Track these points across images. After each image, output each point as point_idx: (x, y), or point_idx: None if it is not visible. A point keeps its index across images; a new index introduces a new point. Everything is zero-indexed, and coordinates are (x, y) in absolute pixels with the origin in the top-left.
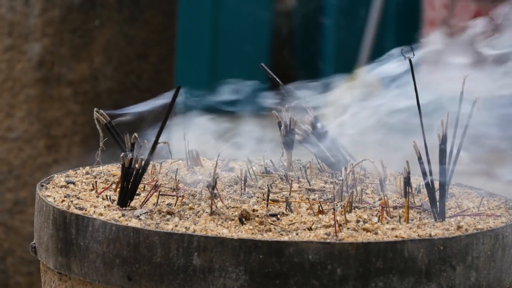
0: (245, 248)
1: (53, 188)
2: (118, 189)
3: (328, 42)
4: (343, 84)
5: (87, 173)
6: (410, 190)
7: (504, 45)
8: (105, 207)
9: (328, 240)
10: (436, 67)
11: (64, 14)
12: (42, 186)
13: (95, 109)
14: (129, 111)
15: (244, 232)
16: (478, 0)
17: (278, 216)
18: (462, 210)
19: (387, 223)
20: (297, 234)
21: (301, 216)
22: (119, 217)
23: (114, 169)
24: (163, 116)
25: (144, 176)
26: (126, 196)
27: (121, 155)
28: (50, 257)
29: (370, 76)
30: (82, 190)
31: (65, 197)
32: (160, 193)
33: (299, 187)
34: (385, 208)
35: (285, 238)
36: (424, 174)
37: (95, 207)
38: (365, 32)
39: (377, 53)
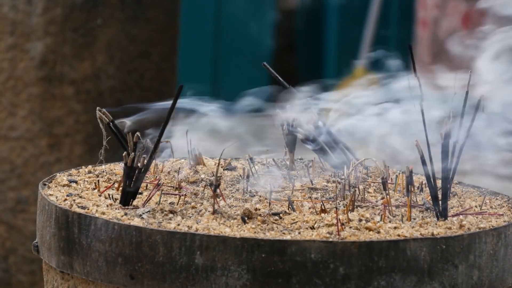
0: (248, 247)
1: (56, 187)
2: (121, 188)
3: (330, 41)
4: (345, 83)
5: (89, 172)
6: (412, 189)
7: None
8: (107, 206)
9: (330, 239)
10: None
11: (67, 13)
12: (45, 185)
13: (97, 108)
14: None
15: (247, 231)
16: (469, 0)
17: (281, 215)
18: (465, 209)
19: (390, 222)
20: (299, 233)
21: (304, 215)
22: (122, 216)
23: (117, 168)
24: (165, 115)
25: (146, 175)
26: (128, 195)
27: (124, 154)
28: (53, 256)
29: (370, 73)
30: (85, 189)
31: (67, 196)
32: (163, 192)
33: (301, 186)
34: (387, 207)
35: (288, 237)
36: (426, 173)
37: (97, 206)
38: (366, 30)
39: (379, 50)
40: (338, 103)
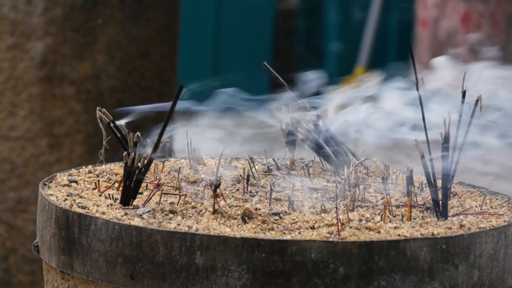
0: (248, 247)
1: (56, 187)
2: (121, 188)
3: (330, 40)
4: (345, 82)
5: (89, 172)
6: (412, 189)
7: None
8: (107, 206)
9: (330, 239)
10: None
11: (67, 13)
12: (45, 184)
13: (97, 108)
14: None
15: (247, 231)
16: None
17: (281, 215)
18: (465, 209)
19: (390, 222)
20: (299, 233)
21: (304, 215)
22: (122, 216)
23: (117, 168)
24: (166, 115)
25: (146, 175)
26: (128, 195)
27: (124, 154)
28: (53, 256)
29: (368, 73)
30: (85, 189)
31: (67, 195)
32: (163, 192)
33: (301, 186)
34: (387, 207)
35: (288, 237)
36: (426, 173)
37: (97, 206)
38: (366, 29)
39: (379, 50)
40: (338, 102)
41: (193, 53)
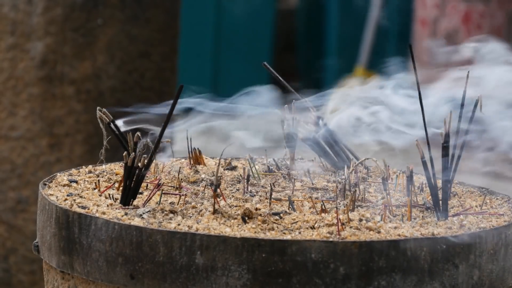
0: (248, 247)
1: (56, 186)
2: (121, 188)
3: (331, 41)
4: (345, 82)
5: (89, 171)
6: (412, 189)
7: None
8: (107, 205)
9: (330, 239)
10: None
11: (67, 12)
12: (45, 184)
13: (98, 108)
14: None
15: (247, 231)
16: (468, 0)
17: (281, 214)
18: (465, 208)
19: (390, 221)
20: (299, 232)
21: (304, 215)
22: (122, 216)
23: (117, 168)
24: (166, 115)
25: (146, 175)
26: (129, 195)
27: (124, 154)
28: (53, 255)
29: (368, 73)
30: (85, 189)
31: (67, 195)
32: (163, 192)
33: (301, 185)
34: (387, 207)
35: (288, 237)
36: (426, 173)
37: (97, 205)
38: (366, 29)
39: (379, 50)
40: (338, 102)
41: (193, 53)
